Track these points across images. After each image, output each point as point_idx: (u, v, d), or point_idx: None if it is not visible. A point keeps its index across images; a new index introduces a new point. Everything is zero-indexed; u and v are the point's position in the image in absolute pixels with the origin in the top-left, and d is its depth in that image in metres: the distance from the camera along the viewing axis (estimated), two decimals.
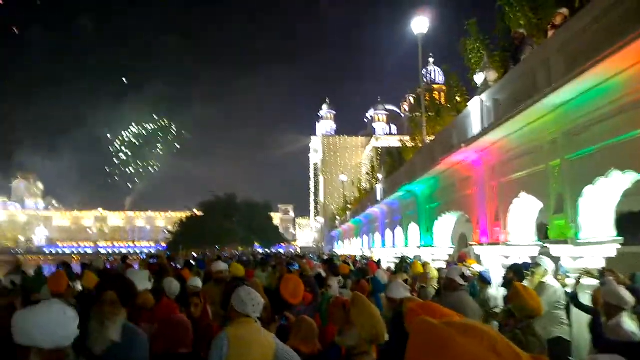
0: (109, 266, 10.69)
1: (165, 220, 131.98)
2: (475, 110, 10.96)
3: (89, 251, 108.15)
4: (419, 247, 16.43)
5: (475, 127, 10.77)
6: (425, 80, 51.60)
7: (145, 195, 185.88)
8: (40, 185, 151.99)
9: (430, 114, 21.54)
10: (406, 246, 19.08)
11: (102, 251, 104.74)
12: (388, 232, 24.30)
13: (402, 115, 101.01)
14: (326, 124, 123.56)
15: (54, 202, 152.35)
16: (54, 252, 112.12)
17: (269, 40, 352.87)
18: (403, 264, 10.14)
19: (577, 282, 6.48)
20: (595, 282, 6.24)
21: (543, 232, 9.06)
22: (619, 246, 6.88)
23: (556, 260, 7.86)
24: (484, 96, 10.56)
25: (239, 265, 7.35)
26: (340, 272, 9.27)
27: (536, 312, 4.01)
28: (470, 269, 9.47)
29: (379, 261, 16.32)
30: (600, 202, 7.15)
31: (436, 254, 14.87)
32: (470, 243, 11.82)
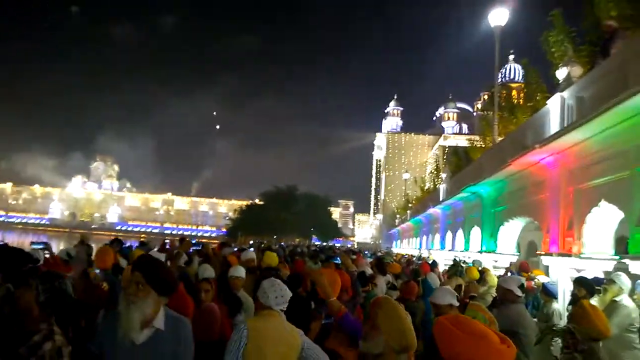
0: (168, 247, 10.80)
1: (227, 207, 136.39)
2: (554, 108, 10.04)
3: (155, 231, 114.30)
4: (480, 252, 15.54)
5: (553, 126, 9.86)
6: (502, 77, 49.09)
7: (211, 182, 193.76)
8: (117, 168, 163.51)
9: (504, 114, 20.34)
10: (466, 250, 18.17)
11: (167, 232, 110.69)
12: (449, 234, 23.35)
13: (475, 114, 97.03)
14: (392, 121, 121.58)
15: (127, 184, 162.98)
16: (123, 229, 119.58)
17: (340, 36, 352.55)
18: (458, 268, 9.50)
19: None
20: None
21: (622, 247, 8.11)
22: None
23: (635, 278, 7.02)
24: (566, 93, 9.63)
25: (273, 254, 7.19)
26: (389, 271, 8.84)
27: (602, 335, 3.50)
28: (536, 280, 8.69)
29: (434, 263, 15.60)
30: None
31: (499, 261, 13.95)
32: (539, 252, 10.91)
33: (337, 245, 66.26)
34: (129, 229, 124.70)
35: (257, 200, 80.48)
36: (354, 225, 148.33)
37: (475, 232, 17.43)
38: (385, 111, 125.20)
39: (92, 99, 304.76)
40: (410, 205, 51.54)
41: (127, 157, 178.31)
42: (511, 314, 4.73)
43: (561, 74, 10.08)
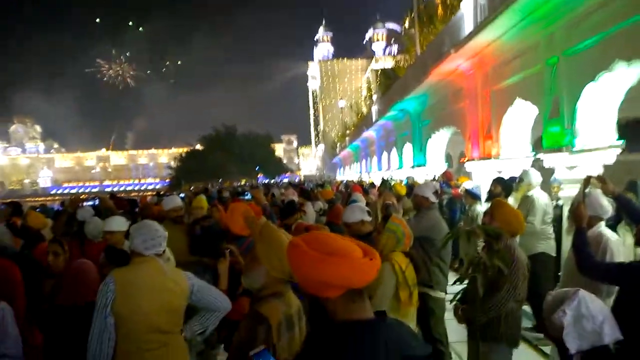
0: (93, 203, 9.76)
1: (167, 156, 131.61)
2: (468, 9, 9.75)
3: (95, 190, 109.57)
4: (412, 168, 15.78)
5: (467, 29, 9.62)
6: None
7: (147, 132, 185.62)
8: (39, 128, 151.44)
9: (425, 29, 20.00)
10: (400, 168, 18.47)
11: (107, 190, 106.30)
12: (384, 155, 23.62)
13: (403, 33, 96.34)
14: (324, 48, 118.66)
15: (55, 144, 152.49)
16: (59, 192, 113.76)
17: None
18: (386, 185, 9.46)
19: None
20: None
21: (540, 147, 8.28)
22: (619, 151, 6.09)
23: (550, 171, 7.18)
24: None
25: (201, 197, 6.62)
26: (322, 197, 8.68)
27: (516, 230, 3.43)
28: (461, 186, 8.80)
29: (372, 185, 15.71)
30: (601, 103, 6.27)
31: (430, 174, 14.22)
32: (462, 160, 11.10)
33: (285, 180, 66.46)
34: (65, 191, 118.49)
35: (197, 147, 78.18)
36: (299, 159, 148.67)
37: (407, 149, 17.60)
38: (315, 39, 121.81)
39: None
40: (348, 132, 51.80)
41: (49, 115, 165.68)
42: (425, 221, 4.64)
43: None
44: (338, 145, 62.07)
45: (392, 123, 20.28)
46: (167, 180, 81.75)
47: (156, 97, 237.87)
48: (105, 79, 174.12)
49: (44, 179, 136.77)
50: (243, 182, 60.88)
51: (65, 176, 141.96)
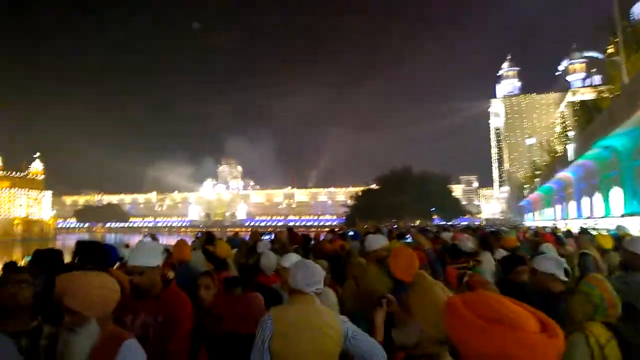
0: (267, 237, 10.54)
1: (345, 194, 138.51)
2: None
3: (280, 224, 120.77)
4: (622, 216, 13.19)
5: None
6: (632, 16, 42.10)
7: (329, 170, 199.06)
8: (240, 168, 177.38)
9: (636, 50, 17.17)
10: (607, 215, 15.67)
11: (291, 224, 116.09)
12: (585, 199, 20.51)
13: (606, 59, 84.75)
14: (508, 84, 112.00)
15: (251, 182, 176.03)
16: (252, 224, 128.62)
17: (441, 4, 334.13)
18: (587, 237, 7.87)
19: None
20: None
21: None
22: None
23: None
24: None
25: (227, 245, 6.49)
26: (504, 245, 7.63)
27: None
28: None
29: (569, 233, 13.51)
30: None
31: None
32: None
33: (463, 223, 63.29)
34: (257, 223, 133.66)
35: (373, 185, 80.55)
36: (479, 201, 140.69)
37: (616, 193, 14.90)
38: (499, 74, 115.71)
39: (216, 107, 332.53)
40: (538, 172, 47.04)
41: (250, 157, 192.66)
42: (636, 283, 3.54)
43: None
44: (526, 187, 56.76)
45: (594, 163, 17.53)
46: (343, 218, 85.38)
47: (337, 138, 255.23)
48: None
49: (241, 212, 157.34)
50: (417, 223, 59.86)
51: (257, 210, 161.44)
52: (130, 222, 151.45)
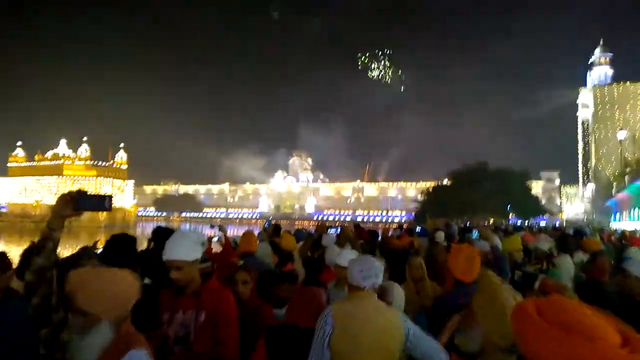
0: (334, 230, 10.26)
1: (415, 190, 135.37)
2: None
3: (348, 218, 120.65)
4: None
5: None
6: None
7: (401, 163, 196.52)
8: (310, 161, 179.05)
9: None
10: None
11: (359, 219, 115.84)
12: None
13: None
14: (600, 71, 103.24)
15: (321, 175, 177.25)
16: (320, 218, 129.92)
17: None
18: None
19: None
20: None
21: None
22: None
23: None
24: None
25: (292, 237, 6.43)
26: (586, 247, 6.61)
27: None
28: None
29: None
30: None
31: None
32: None
33: (542, 223, 59.56)
34: (325, 217, 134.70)
35: (445, 181, 78.22)
36: (561, 199, 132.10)
37: None
38: (590, 62, 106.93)
39: (286, 97, 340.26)
40: (629, 170, 42.98)
41: (321, 149, 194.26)
42: None
43: None
44: (614, 185, 52.16)
45: None
46: (413, 214, 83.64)
47: (411, 127, 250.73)
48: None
49: (310, 205, 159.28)
50: (491, 221, 57.20)
51: (326, 203, 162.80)
52: (205, 212, 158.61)
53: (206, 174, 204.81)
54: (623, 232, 14.89)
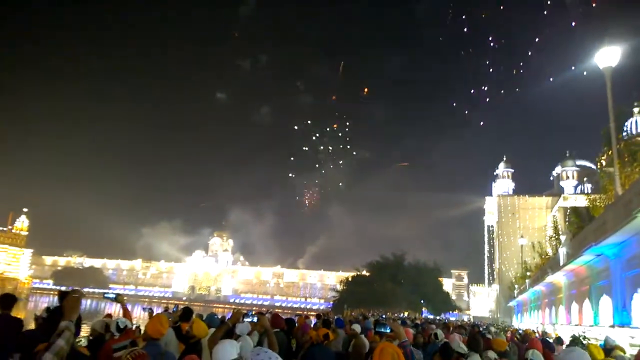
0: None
1: (335, 278, 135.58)
2: None
3: (266, 303, 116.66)
4: (611, 327, 12.84)
5: None
6: (626, 130, 44.25)
7: (322, 253, 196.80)
8: (231, 242, 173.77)
9: (628, 168, 17.81)
10: (595, 324, 15.29)
11: (277, 304, 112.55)
12: (574, 306, 20.11)
13: (599, 171, 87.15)
14: (503, 184, 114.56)
15: (241, 257, 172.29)
16: (237, 301, 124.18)
17: (444, 104, 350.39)
18: (578, 346, 7.62)
19: None
20: None
21: None
22: None
23: None
24: None
25: (204, 324, 6.12)
26: (494, 347, 7.33)
27: None
28: None
29: (559, 340, 13.04)
30: None
31: (636, 337, 11.30)
32: None
33: (452, 319, 61.49)
34: (242, 301, 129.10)
35: (364, 272, 79.02)
36: (469, 297, 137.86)
37: (605, 302, 14.65)
38: (495, 174, 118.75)
39: (218, 178, 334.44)
40: (529, 273, 46.58)
41: (246, 232, 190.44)
42: None
43: None
44: (516, 287, 55.90)
45: (585, 269, 17.45)
46: (331, 302, 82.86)
47: (335, 220, 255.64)
48: (304, 201, 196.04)
49: (227, 288, 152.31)
50: (406, 315, 58.11)
51: (244, 287, 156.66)
52: (110, 288, 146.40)
53: (117, 248, 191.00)
54: (525, 332, 16.05)
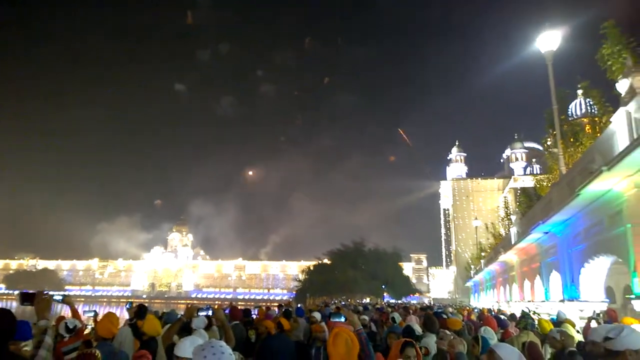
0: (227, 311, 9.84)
1: (298, 268, 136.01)
2: (620, 125, 8.67)
3: (228, 297, 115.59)
4: (561, 301, 13.50)
5: (621, 145, 8.45)
6: (570, 112, 46.32)
7: (284, 244, 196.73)
8: (191, 237, 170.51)
9: (570, 147, 18.63)
10: (546, 300, 16.03)
11: (239, 297, 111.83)
12: (527, 283, 21.02)
13: (546, 152, 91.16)
14: (457, 168, 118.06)
15: (201, 252, 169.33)
16: (198, 296, 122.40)
17: (398, 89, 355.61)
18: (528, 321, 7.94)
19: None
20: None
21: None
22: None
23: None
24: (631, 106, 8.30)
25: (157, 320, 6.05)
26: (449, 327, 7.57)
27: None
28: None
29: (513, 316, 13.60)
30: None
31: (585, 311, 11.93)
32: (629, 296, 9.11)
33: (413, 302, 63.03)
34: (204, 296, 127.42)
35: (325, 260, 79.47)
36: (428, 280, 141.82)
37: (555, 277, 15.38)
38: (449, 158, 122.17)
39: (177, 172, 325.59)
40: (484, 254, 48.32)
41: (207, 226, 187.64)
42: None
43: (622, 86, 8.79)
44: (472, 267, 57.87)
45: (535, 246, 18.22)
46: (294, 292, 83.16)
47: (297, 210, 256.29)
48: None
49: (188, 283, 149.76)
50: (368, 300, 59.03)
51: (206, 282, 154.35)
52: (66, 290, 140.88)
53: (73, 249, 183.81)
54: (482, 311, 16.68)
